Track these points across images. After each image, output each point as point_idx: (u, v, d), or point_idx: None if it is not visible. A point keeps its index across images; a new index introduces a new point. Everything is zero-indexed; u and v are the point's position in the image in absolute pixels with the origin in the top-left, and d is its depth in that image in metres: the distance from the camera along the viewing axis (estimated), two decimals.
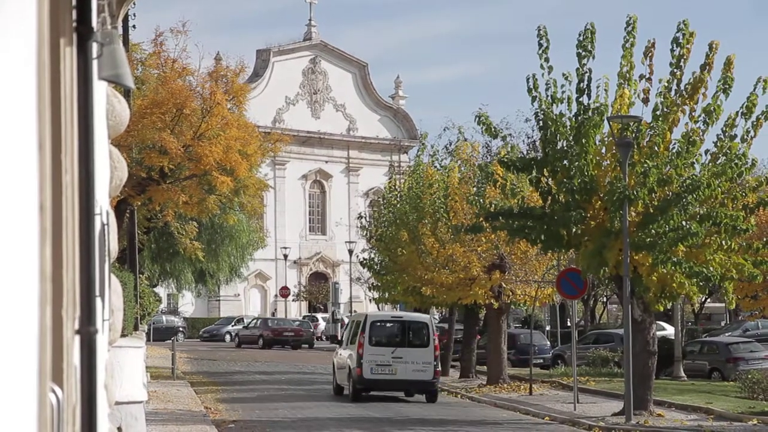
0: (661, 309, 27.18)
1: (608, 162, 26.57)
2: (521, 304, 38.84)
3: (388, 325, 32.97)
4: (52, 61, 5.28)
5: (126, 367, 16.94)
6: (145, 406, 19.79)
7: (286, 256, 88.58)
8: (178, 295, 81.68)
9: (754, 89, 25.47)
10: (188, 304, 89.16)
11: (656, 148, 25.68)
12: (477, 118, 27.86)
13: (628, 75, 26.15)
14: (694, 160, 25.98)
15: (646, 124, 25.94)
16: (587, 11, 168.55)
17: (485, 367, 38.36)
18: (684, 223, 24.99)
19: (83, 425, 5.87)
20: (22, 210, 4.70)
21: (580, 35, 25.92)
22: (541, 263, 36.51)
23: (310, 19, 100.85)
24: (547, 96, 26.23)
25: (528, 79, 26.21)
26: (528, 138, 60.13)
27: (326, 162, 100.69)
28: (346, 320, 77.69)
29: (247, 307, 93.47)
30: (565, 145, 26.13)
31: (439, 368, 32.36)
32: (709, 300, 60.10)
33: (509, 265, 35.56)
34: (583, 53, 25.87)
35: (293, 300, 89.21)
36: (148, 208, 33.44)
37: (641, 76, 26.12)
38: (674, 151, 25.89)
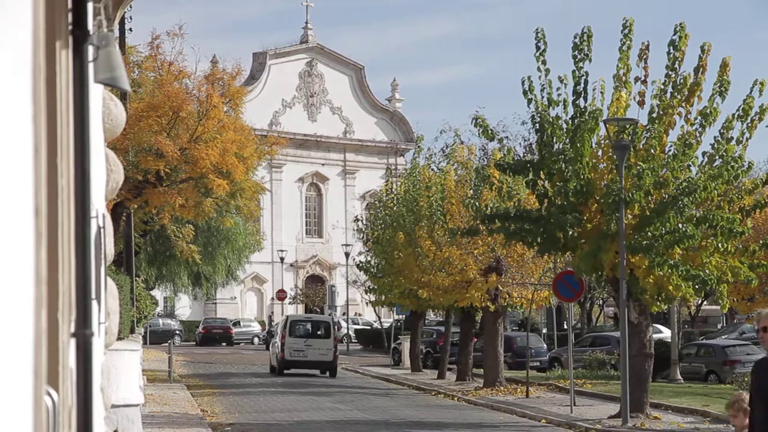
0: (656, 311, 27.17)
1: (605, 165, 26.59)
2: (518, 307, 38.82)
3: (303, 323, 46.19)
4: (47, 64, 5.28)
5: (122, 370, 16.95)
6: (141, 409, 19.78)
7: (282, 259, 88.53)
8: (174, 298, 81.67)
9: (751, 92, 25.50)
10: (185, 307, 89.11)
11: (652, 151, 25.69)
12: (474, 121, 27.88)
13: (624, 78, 26.17)
14: (691, 163, 26.00)
15: (642, 126, 25.96)
16: (585, 14, 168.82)
17: (482, 369, 38.35)
18: (680, 225, 25.01)
19: (79, 428, 5.86)
20: (18, 213, 4.70)
21: (576, 38, 25.95)
22: (538, 266, 36.50)
23: (306, 22, 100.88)
24: (543, 98, 26.24)
25: (523, 82, 26.23)
26: (524, 141, 60.26)
27: (323, 165, 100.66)
28: (343, 323, 78.25)
29: (243, 310, 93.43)
30: (561, 147, 26.14)
31: (337, 353, 45.10)
32: (705, 303, 60.11)
33: (506, 268, 35.55)
34: (580, 56, 25.89)
35: (290, 303, 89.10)
36: (144, 211, 33.41)
37: (636, 79, 26.15)
38: (670, 153, 25.90)
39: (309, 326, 45.42)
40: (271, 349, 47.57)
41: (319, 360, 43.99)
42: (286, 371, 43.70)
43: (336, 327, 47.63)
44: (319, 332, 44.68)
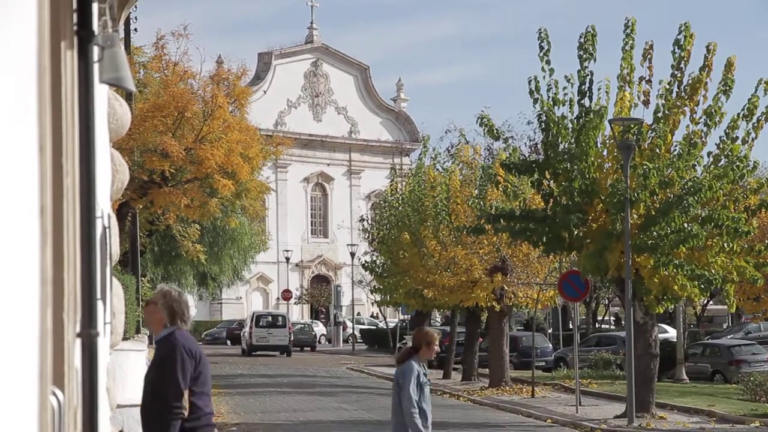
0: (661, 311, 27.15)
1: (610, 164, 26.58)
2: (523, 307, 38.77)
3: (265, 316, 61.62)
4: (52, 65, 5.28)
5: (128, 370, 16.97)
6: None
7: (288, 259, 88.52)
8: None
9: (756, 91, 25.48)
10: (190, 307, 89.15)
11: (657, 150, 25.68)
12: (479, 120, 27.87)
13: (628, 77, 26.15)
14: (696, 162, 25.98)
15: (647, 126, 25.94)
16: (589, 13, 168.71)
17: (487, 369, 38.33)
18: (685, 225, 24.98)
19: (84, 428, 5.87)
20: (23, 213, 4.70)
21: (581, 37, 25.93)
22: (543, 265, 36.45)
23: (311, 22, 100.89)
24: (549, 98, 26.23)
25: (530, 81, 26.21)
26: (530, 140, 60.18)
27: (328, 165, 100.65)
28: (348, 323, 78.30)
29: (248, 310, 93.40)
30: (566, 147, 26.12)
31: (292, 338, 61.09)
32: (711, 302, 60.05)
33: (511, 268, 35.52)
34: (584, 55, 25.88)
35: (295, 303, 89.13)
36: (150, 211, 33.42)
37: (641, 78, 26.13)
38: (675, 153, 25.89)
39: (270, 319, 61.05)
40: (241, 336, 63.72)
41: (277, 344, 59.34)
42: (253, 353, 58.71)
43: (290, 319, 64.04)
44: (277, 324, 60.10)
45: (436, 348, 11.18)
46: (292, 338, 61.17)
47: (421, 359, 11.03)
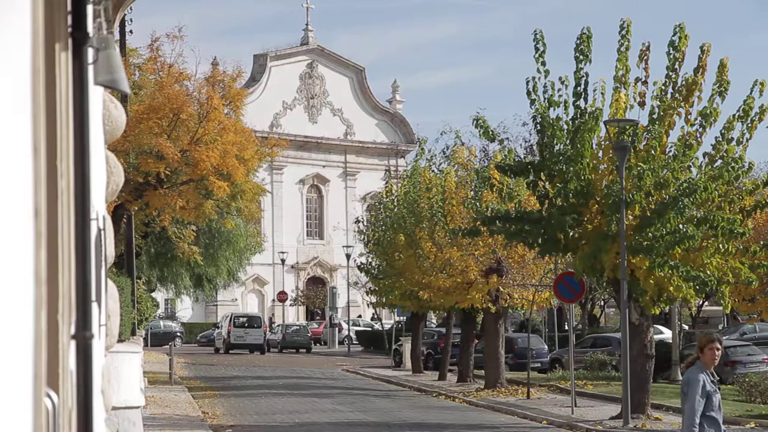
0: (657, 312, 27.15)
1: (605, 166, 26.59)
2: (519, 308, 38.77)
3: (242, 317, 67.15)
4: (47, 66, 5.28)
5: (123, 372, 16.95)
6: (142, 412, 19.78)
7: (283, 261, 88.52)
8: (175, 300, 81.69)
9: (751, 92, 25.51)
10: (186, 309, 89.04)
11: (653, 152, 25.69)
12: (474, 122, 27.88)
13: (624, 78, 26.18)
14: (691, 164, 26.00)
15: (643, 127, 25.96)
16: (584, 15, 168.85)
17: (483, 371, 38.33)
18: (681, 226, 24.99)
19: (79, 430, 5.86)
20: (17, 214, 4.70)
21: (577, 39, 25.95)
22: (539, 267, 36.45)
23: (307, 24, 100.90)
24: (545, 99, 26.24)
25: (527, 82, 26.23)
26: (525, 142, 60.24)
27: (323, 166, 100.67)
28: (344, 325, 78.36)
29: (246, 312, 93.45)
30: (561, 148, 26.13)
31: (267, 337, 67.27)
32: (706, 303, 60.07)
33: (507, 269, 35.50)
34: (580, 57, 25.90)
35: (291, 305, 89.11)
36: (145, 213, 33.40)
37: (637, 80, 26.15)
38: (671, 154, 25.91)
39: (246, 320, 66.51)
40: (217, 336, 69.60)
41: (253, 343, 65.00)
42: (230, 351, 64.28)
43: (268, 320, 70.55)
44: (254, 324, 65.74)
45: (717, 351, 10.66)
46: (266, 338, 67.05)
47: (705, 366, 10.66)
